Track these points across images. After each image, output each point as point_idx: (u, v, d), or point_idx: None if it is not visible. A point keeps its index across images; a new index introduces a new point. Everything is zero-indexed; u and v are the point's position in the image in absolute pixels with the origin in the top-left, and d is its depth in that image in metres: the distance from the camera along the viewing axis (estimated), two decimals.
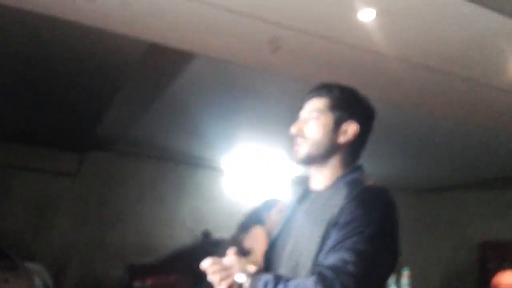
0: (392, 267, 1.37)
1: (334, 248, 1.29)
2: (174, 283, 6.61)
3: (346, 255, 1.24)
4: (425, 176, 9.40)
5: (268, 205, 4.00)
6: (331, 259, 1.25)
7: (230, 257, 1.40)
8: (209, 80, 5.53)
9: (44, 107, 6.58)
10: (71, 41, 4.49)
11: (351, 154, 1.50)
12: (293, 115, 1.64)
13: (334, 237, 1.31)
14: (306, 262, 1.36)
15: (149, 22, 3.76)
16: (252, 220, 3.88)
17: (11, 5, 3.57)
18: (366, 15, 3.56)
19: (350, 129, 1.48)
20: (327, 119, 1.49)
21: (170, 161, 9.25)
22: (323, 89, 1.54)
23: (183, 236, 9.16)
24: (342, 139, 1.47)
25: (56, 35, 4.39)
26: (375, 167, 8.76)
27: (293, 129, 1.52)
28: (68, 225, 8.69)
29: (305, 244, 1.40)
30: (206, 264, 1.38)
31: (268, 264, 1.56)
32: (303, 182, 1.59)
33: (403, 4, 3.46)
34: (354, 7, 3.47)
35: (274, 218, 3.79)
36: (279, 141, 6.84)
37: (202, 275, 3.82)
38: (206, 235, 8.20)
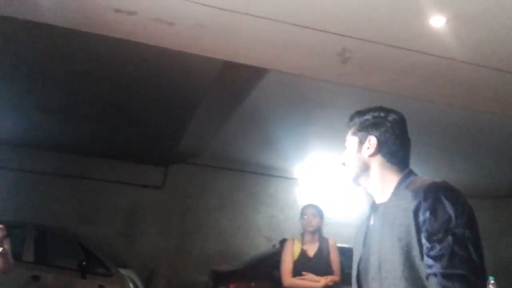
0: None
1: (435, 247, 1.34)
2: None
3: (458, 271, 1.31)
4: (507, 181, 8.78)
5: (300, 212, 4.00)
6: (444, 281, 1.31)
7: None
8: (281, 93, 5.53)
9: (132, 126, 6.91)
10: (153, 64, 4.68)
11: (387, 160, 1.61)
12: None
13: (428, 235, 1.36)
14: (395, 266, 1.40)
15: (223, 42, 3.83)
16: None
17: (101, 33, 3.79)
18: (437, 22, 3.39)
19: (371, 143, 1.61)
20: (353, 143, 1.65)
21: (246, 172, 9.35)
22: (349, 120, 1.71)
23: (260, 243, 9.20)
24: (367, 153, 1.61)
25: (140, 60, 4.59)
26: (454, 173, 8.36)
27: (340, 161, 1.70)
28: (155, 234, 9.02)
29: (388, 252, 1.43)
30: None
31: (359, 282, 1.62)
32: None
33: (475, 8, 3.26)
34: (425, 14, 3.32)
35: (303, 222, 3.90)
36: None
37: (280, 282, 3.85)
38: (284, 243, 8.12)
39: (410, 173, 1.60)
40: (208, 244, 9.14)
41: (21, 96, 5.91)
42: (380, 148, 1.60)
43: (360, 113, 1.69)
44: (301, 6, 3.30)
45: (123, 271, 7.09)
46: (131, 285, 6.99)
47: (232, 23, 3.48)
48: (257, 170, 9.35)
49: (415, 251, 1.37)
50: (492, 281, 4.07)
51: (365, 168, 1.62)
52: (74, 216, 8.44)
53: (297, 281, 3.74)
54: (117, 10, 3.37)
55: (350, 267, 1.63)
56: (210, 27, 3.54)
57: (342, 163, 1.68)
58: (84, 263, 6.68)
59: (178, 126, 6.61)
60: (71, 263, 6.86)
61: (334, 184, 9.45)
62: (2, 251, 2.88)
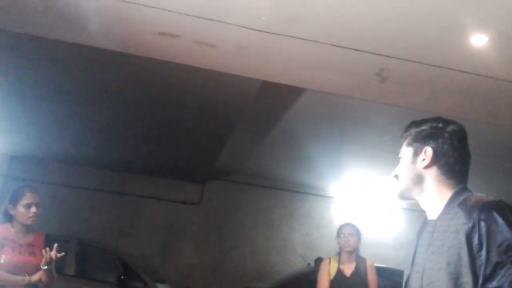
0: None
1: (493, 277, 1.25)
2: None
3: None
4: None
5: (337, 231, 3.99)
6: None
7: None
8: (317, 112, 5.53)
9: (171, 144, 7.04)
10: (193, 84, 4.77)
11: (442, 174, 1.50)
12: (400, 142, 1.71)
13: (485, 263, 1.26)
14: None
15: (262, 62, 3.87)
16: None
17: (145, 56, 3.91)
18: (479, 40, 3.33)
19: (427, 154, 1.51)
20: (407, 154, 1.57)
21: (282, 190, 9.34)
22: (405, 130, 1.63)
23: (294, 262, 9.12)
24: (422, 164, 1.52)
25: (181, 80, 4.70)
26: (499, 193, 8.00)
27: (392, 174, 1.62)
28: (191, 250, 9.09)
29: (434, 276, 1.35)
30: None
31: None
32: (415, 209, 1.59)
33: None
34: (465, 33, 3.27)
35: (341, 242, 3.89)
36: (388, 168, 6.59)
37: None
38: (319, 262, 8.03)
39: (464, 189, 1.48)
40: (243, 261, 9.13)
41: (68, 116, 6.14)
42: (436, 160, 1.50)
43: (416, 123, 1.60)
44: (340, 26, 3.32)
45: (160, 286, 7.15)
46: None
47: (272, 44, 3.52)
48: (292, 188, 9.32)
49: (465, 278, 1.27)
50: None
51: (419, 180, 1.52)
52: (115, 231, 8.62)
53: None
54: (161, 34, 3.48)
55: (387, 287, 1.59)
56: (250, 49, 3.59)
57: (395, 176, 1.58)
58: (122, 277, 6.78)
59: (216, 144, 6.69)
60: (110, 276, 6.97)
61: (370, 203, 9.30)
62: (47, 268, 2.99)
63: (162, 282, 7.47)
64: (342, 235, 3.90)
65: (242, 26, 3.27)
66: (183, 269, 8.89)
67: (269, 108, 5.42)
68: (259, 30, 3.30)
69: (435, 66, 3.72)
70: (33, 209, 3.08)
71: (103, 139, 7.00)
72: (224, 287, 8.87)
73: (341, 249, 3.91)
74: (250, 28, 3.28)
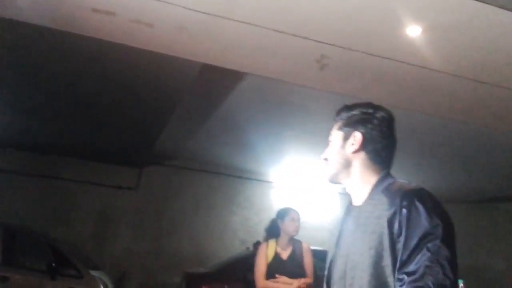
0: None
1: (409, 261, 1.29)
2: None
3: (430, 270, 1.26)
4: (478, 188, 9.00)
5: (281, 214, 3.99)
6: (417, 279, 1.26)
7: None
8: (258, 97, 5.55)
9: (106, 127, 6.82)
10: (131, 65, 4.63)
11: (369, 159, 1.55)
12: None
13: (402, 248, 1.32)
14: (362, 276, 1.38)
15: (203, 45, 3.82)
16: (269, 231, 4.02)
17: (78, 33, 3.74)
18: (413, 31, 3.47)
19: (355, 139, 1.55)
20: (337, 138, 1.60)
21: (222, 174, 9.35)
22: (336, 114, 1.66)
23: (234, 246, 9.20)
24: (351, 149, 1.55)
25: (116, 59, 4.54)
26: (428, 179, 8.52)
27: (321, 156, 1.64)
28: (128, 236, 8.92)
29: (357, 260, 1.40)
30: None
31: (329, 285, 1.58)
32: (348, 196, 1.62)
33: (451, 18, 3.35)
34: (401, 24, 3.39)
35: (288, 226, 3.88)
36: None
37: (253, 284, 3.85)
38: (258, 246, 8.13)
39: (387, 175, 1.54)
40: (182, 246, 9.10)
41: None
42: (365, 145, 1.54)
43: (348, 108, 1.62)
44: (281, 12, 3.33)
45: (94, 273, 6.97)
46: (102, 287, 6.89)
47: (212, 26, 3.48)
48: (233, 173, 9.36)
49: (386, 262, 1.33)
50: (462, 285, 4.19)
51: (347, 165, 1.56)
52: (46, 217, 8.28)
53: (270, 283, 3.76)
54: (94, 10, 3.33)
55: (323, 269, 1.62)
56: (190, 30, 3.53)
57: (324, 158, 1.61)
58: (53, 264, 6.56)
59: (154, 128, 6.56)
60: (41, 264, 6.72)
61: (309, 188, 9.54)
62: None
63: (96, 269, 7.29)
64: (291, 220, 3.92)
65: (181, 6, 3.21)
66: (119, 256, 8.73)
67: (209, 92, 5.38)
68: (199, 11, 3.25)
69: (373, 55, 3.84)
70: None
71: (31, 120, 6.66)
72: (162, 272, 8.81)
73: (285, 233, 3.93)
74: (190, 9, 3.22)
